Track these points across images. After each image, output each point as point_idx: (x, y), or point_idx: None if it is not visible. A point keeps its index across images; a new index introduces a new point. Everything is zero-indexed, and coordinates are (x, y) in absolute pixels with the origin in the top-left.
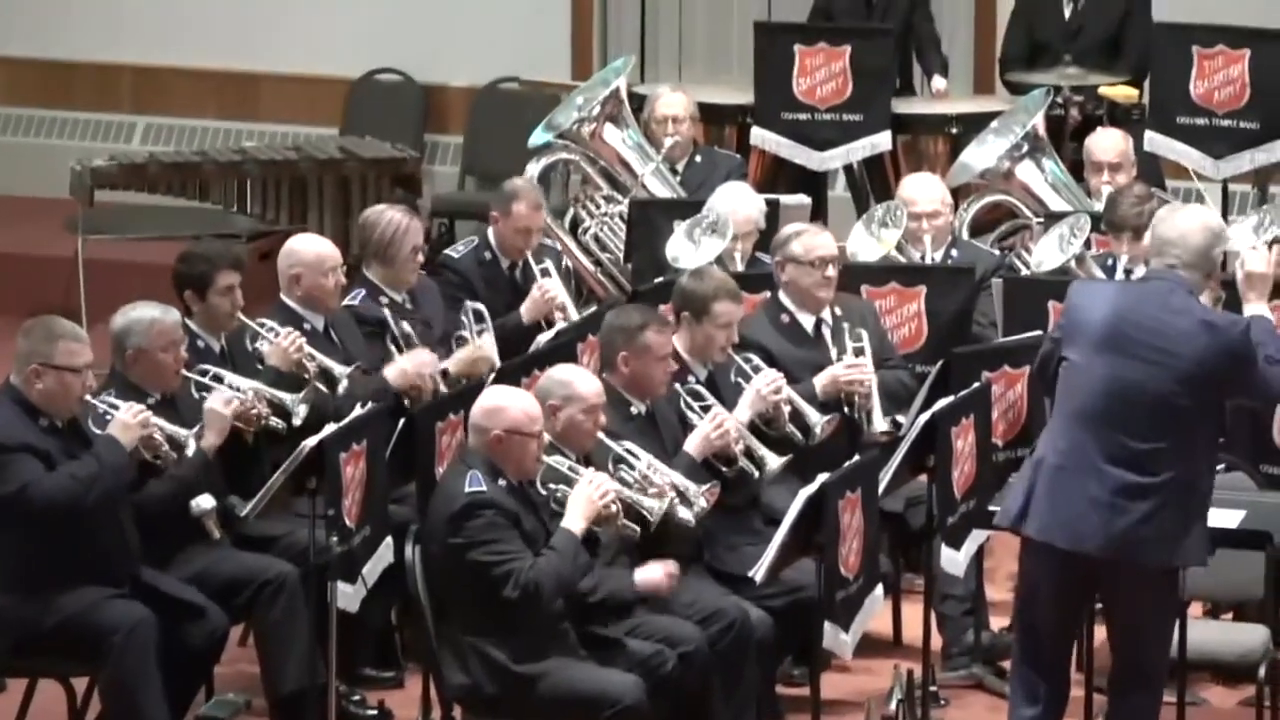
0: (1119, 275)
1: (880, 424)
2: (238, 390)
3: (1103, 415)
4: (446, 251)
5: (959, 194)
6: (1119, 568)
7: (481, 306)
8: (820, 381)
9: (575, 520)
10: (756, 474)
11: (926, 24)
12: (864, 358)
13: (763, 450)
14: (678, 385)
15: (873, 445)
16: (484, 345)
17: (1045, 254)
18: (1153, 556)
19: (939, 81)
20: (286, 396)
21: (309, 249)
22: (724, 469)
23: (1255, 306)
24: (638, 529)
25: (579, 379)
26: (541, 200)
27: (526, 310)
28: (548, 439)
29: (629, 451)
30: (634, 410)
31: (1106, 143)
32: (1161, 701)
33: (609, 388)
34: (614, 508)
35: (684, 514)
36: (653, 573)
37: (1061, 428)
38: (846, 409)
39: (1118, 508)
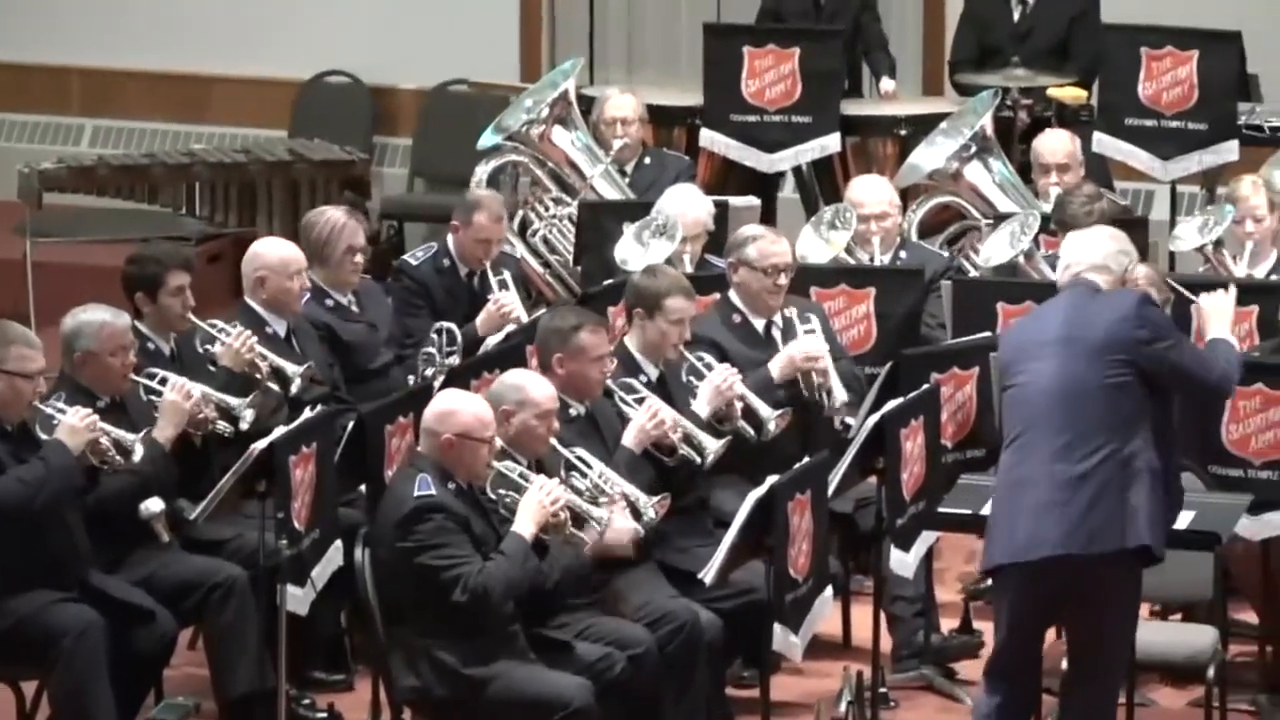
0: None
1: (841, 395)
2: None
3: (1046, 418)
4: (404, 257)
5: (908, 195)
6: (1079, 563)
7: (454, 328)
8: (777, 364)
9: (525, 525)
10: (699, 460)
11: (875, 25)
12: (816, 336)
13: (701, 435)
14: (609, 381)
15: (830, 437)
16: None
17: (994, 250)
18: (1105, 543)
19: (887, 83)
20: (233, 401)
21: (274, 252)
22: (666, 459)
23: (1217, 332)
24: (586, 539)
25: (532, 384)
26: (503, 213)
27: (482, 324)
28: (499, 444)
29: (581, 459)
30: (573, 412)
31: (1054, 144)
32: (1117, 701)
33: None
34: (563, 515)
35: (635, 524)
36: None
37: (1013, 448)
38: (805, 389)
39: (1065, 502)
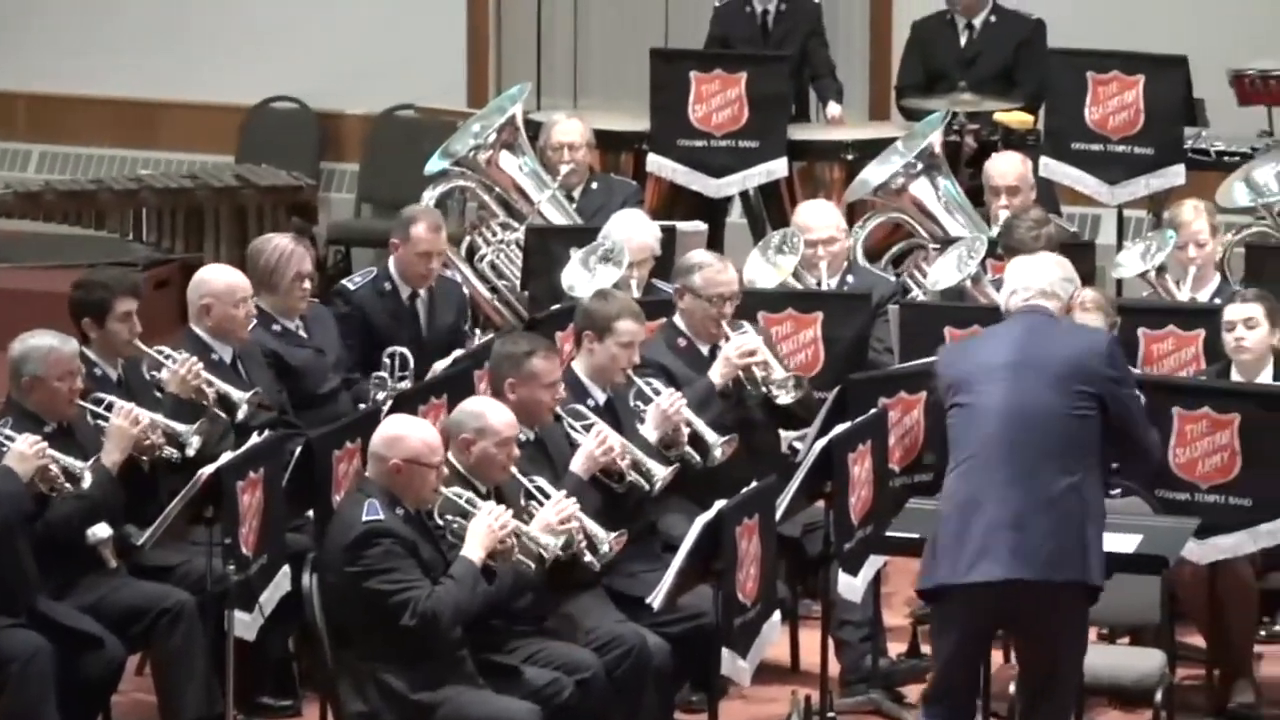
0: None
1: (782, 372)
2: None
3: (1000, 442)
4: (343, 282)
5: (854, 212)
6: (1030, 588)
7: (406, 352)
8: (717, 371)
9: (474, 549)
10: (647, 486)
11: (822, 50)
12: (746, 331)
13: (650, 462)
14: (558, 408)
15: (778, 461)
16: None
17: (941, 273)
18: (1062, 572)
19: (833, 108)
20: (180, 427)
21: (220, 279)
22: (614, 486)
23: None
24: (533, 565)
25: (492, 412)
26: (441, 223)
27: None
28: (460, 469)
29: (540, 489)
30: (522, 437)
31: (1004, 166)
32: None
33: None
34: (510, 542)
35: (590, 559)
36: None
37: (962, 471)
38: (750, 387)
39: (1020, 527)
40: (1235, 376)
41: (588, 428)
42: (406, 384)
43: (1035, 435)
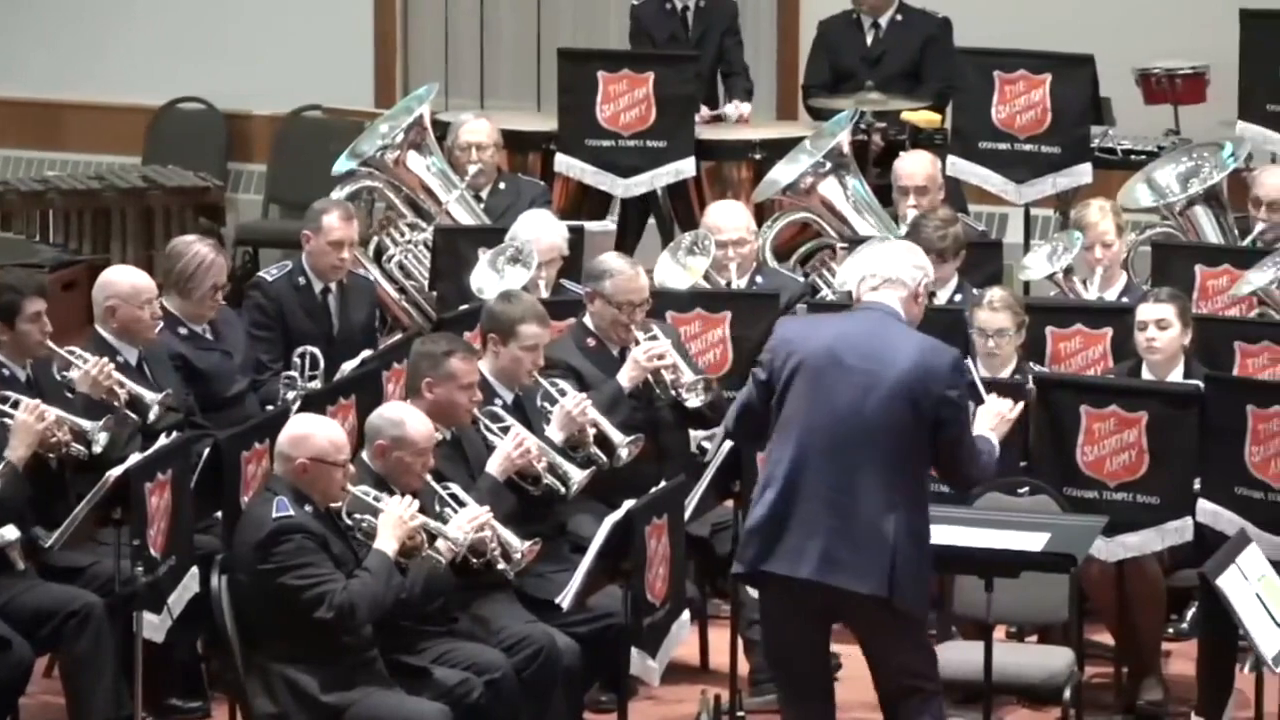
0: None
1: (691, 375)
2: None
3: (825, 442)
4: (259, 274)
5: (763, 211)
6: (835, 595)
7: (317, 352)
8: (625, 374)
9: (387, 541)
10: (563, 489)
11: (737, 48)
12: (655, 335)
13: (566, 465)
14: (476, 410)
15: (687, 461)
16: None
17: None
18: (863, 584)
19: (743, 107)
20: (87, 424)
21: (125, 280)
22: (530, 489)
23: (984, 429)
24: (442, 561)
25: (411, 421)
26: (353, 213)
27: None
28: (375, 471)
29: (454, 497)
30: (439, 436)
31: (913, 166)
32: None
33: None
34: (420, 537)
35: (503, 566)
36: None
37: (782, 457)
38: (660, 391)
39: (834, 533)
40: (1146, 375)
41: (504, 429)
42: (317, 384)
43: (861, 441)
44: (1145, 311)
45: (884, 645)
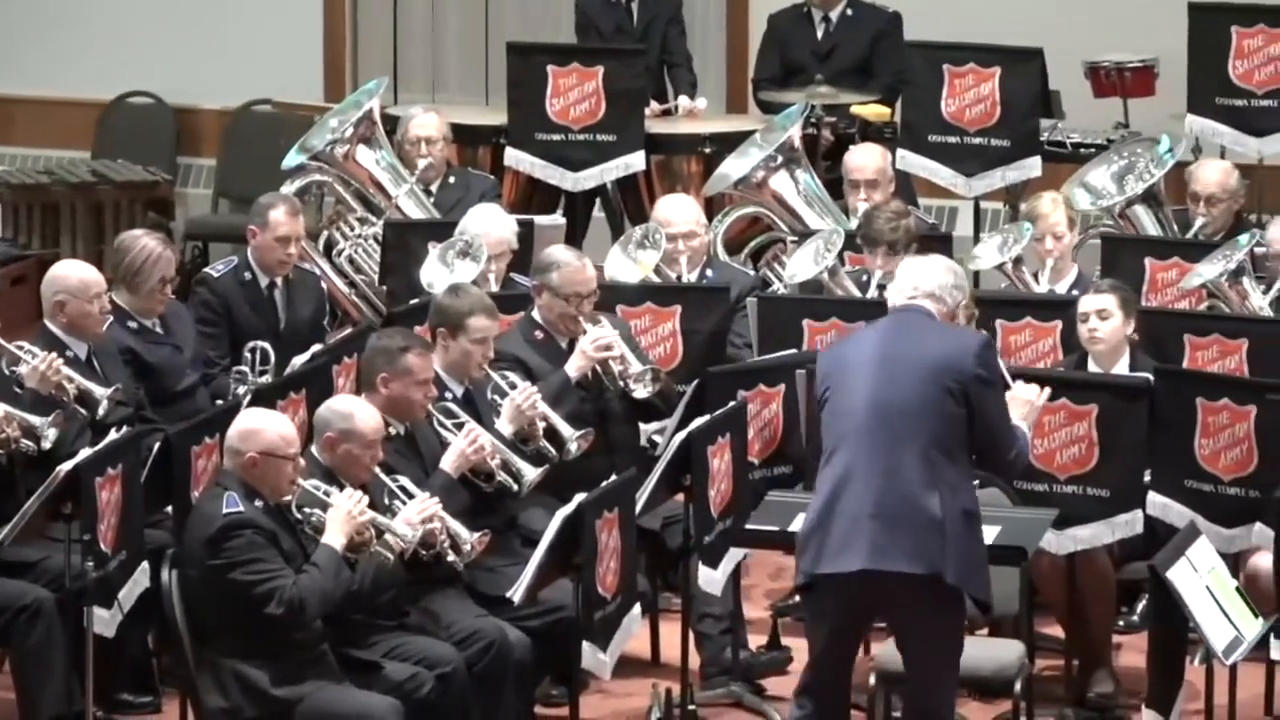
0: (872, 291)
1: (639, 365)
2: None
3: (867, 434)
4: (205, 270)
5: (713, 206)
6: (884, 580)
7: (268, 347)
8: (573, 364)
9: (335, 536)
10: (515, 487)
11: (680, 39)
12: (601, 324)
13: (519, 463)
14: (430, 405)
15: (637, 454)
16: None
17: (799, 266)
18: (914, 565)
19: (685, 101)
20: (36, 419)
21: (73, 275)
22: (483, 485)
23: (1019, 419)
24: (391, 556)
25: (360, 413)
26: (299, 208)
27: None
28: (324, 464)
29: (403, 489)
30: (393, 431)
31: (863, 159)
32: None
33: None
34: (368, 532)
35: (453, 558)
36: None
37: (831, 462)
38: (608, 382)
39: (879, 520)
40: (1091, 367)
41: (459, 426)
42: (267, 378)
43: (899, 428)
44: (1086, 303)
45: (924, 642)
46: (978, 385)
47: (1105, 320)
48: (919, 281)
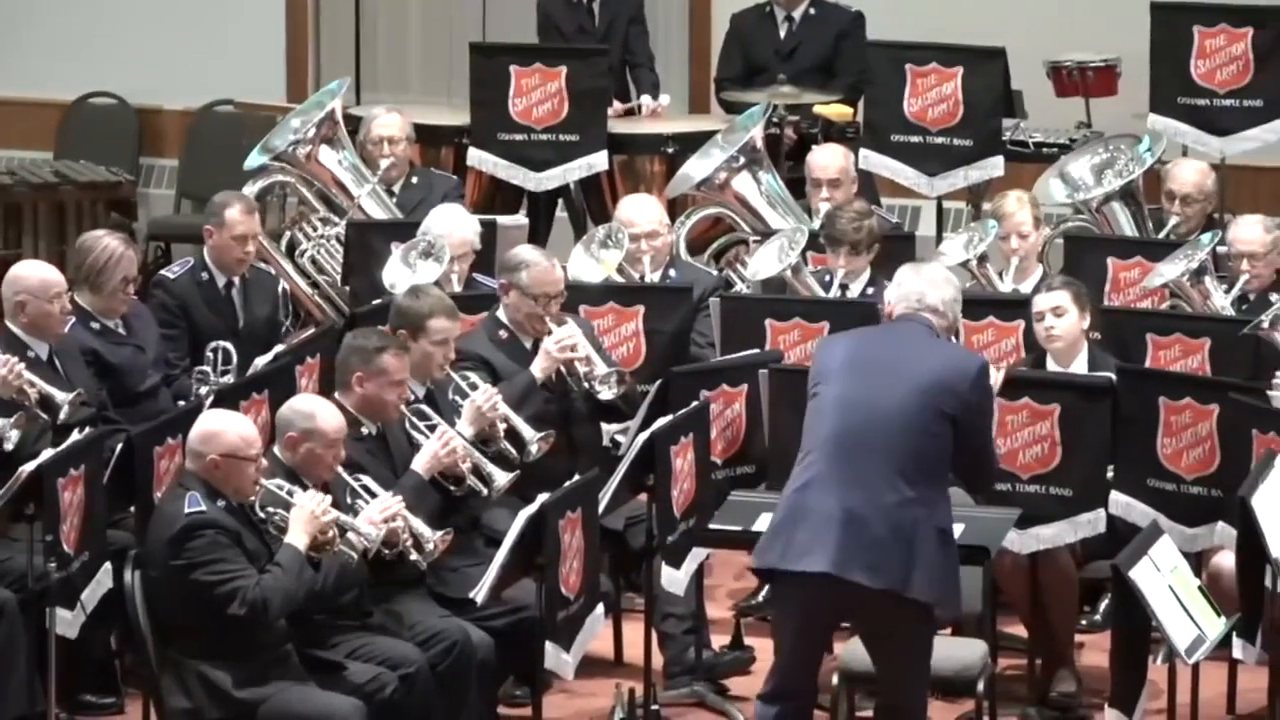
0: (834, 291)
1: (604, 367)
2: None
3: (848, 440)
4: (162, 272)
5: (676, 206)
6: (849, 589)
7: (229, 346)
8: (538, 365)
9: (298, 536)
10: (485, 491)
11: (642, 39)
12: (567, 325)
13: (490, 467)
14: (403, 406)
15: (600, 454)
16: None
17: (762, 264)
18: (878, 580)
19: (648, 100)
20: None
21: (34, 275)
22: (453, 488)
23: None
24: (354, 555)
25: (322, 412)
26: (255, 206)
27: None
28: (286, 465)
29: (365, 488)
30: (365, 431)
31: (826, 159)
32: None
33: (339, 407)
34: (331, 531)
35: (416, 557)
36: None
37: (810, 461)
38: (573, 382)
39: (848, 527)
40: (1051, 366)
41: (431, 428)
42: (229, 378)
43: (884, 439)
44: (1041, 301)
45: (890, 648)
46: (970, 412)
47: (1061, 317)
48: (923, 294)
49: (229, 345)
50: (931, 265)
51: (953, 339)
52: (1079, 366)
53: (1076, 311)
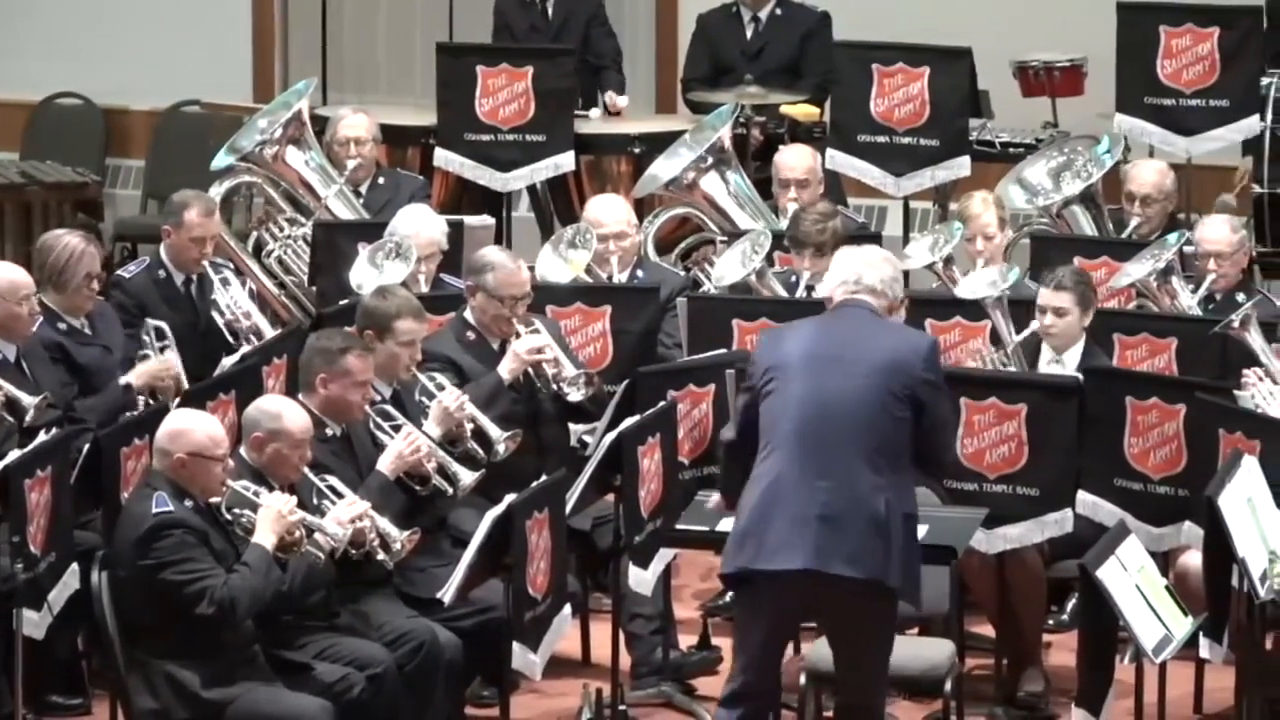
0: (800, 292)
1: (572, 369)
2: None
3: (809, 434)
4: (118, 272)
5: (644, 207)
6: (825, 581)
7: (163, 324)
8: (506, 366)
9: (265, 535)
10: (451, 490)
11: (606, 40)
12: (537, 329)
13: (455, 466)
14: (367, 406)
15: (567, 455)
16: (169, 360)
17: (727, 269)
18: (859, 569)
19: (611, 96)
20: None
21: (1, 277)
22: (418, 488)
23: None
24: (321, 555)
25: (288, 413)
26: (214, 207)
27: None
28: (253, 465)
29: (332, 489)
30: (329, 432)
31: (793, 159)
32: None
33: (304, 408)
34: (299, 531)
35: (383, 557)
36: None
37: (772, 458)
38: (541, 385)
39: (824, 521)
40: (1045, 353)
41: (396, 429)
42: (170, 353)
43: (844, 429)
44: (1045, 298)
45: (859, 643)
46: (926, 389)
47: (1062, 318)
48: (860, 275)
49: (162, 323)
50: (868, 247)
51: (894, 319)
52: (1073, 357)
53: (1078, 312)
